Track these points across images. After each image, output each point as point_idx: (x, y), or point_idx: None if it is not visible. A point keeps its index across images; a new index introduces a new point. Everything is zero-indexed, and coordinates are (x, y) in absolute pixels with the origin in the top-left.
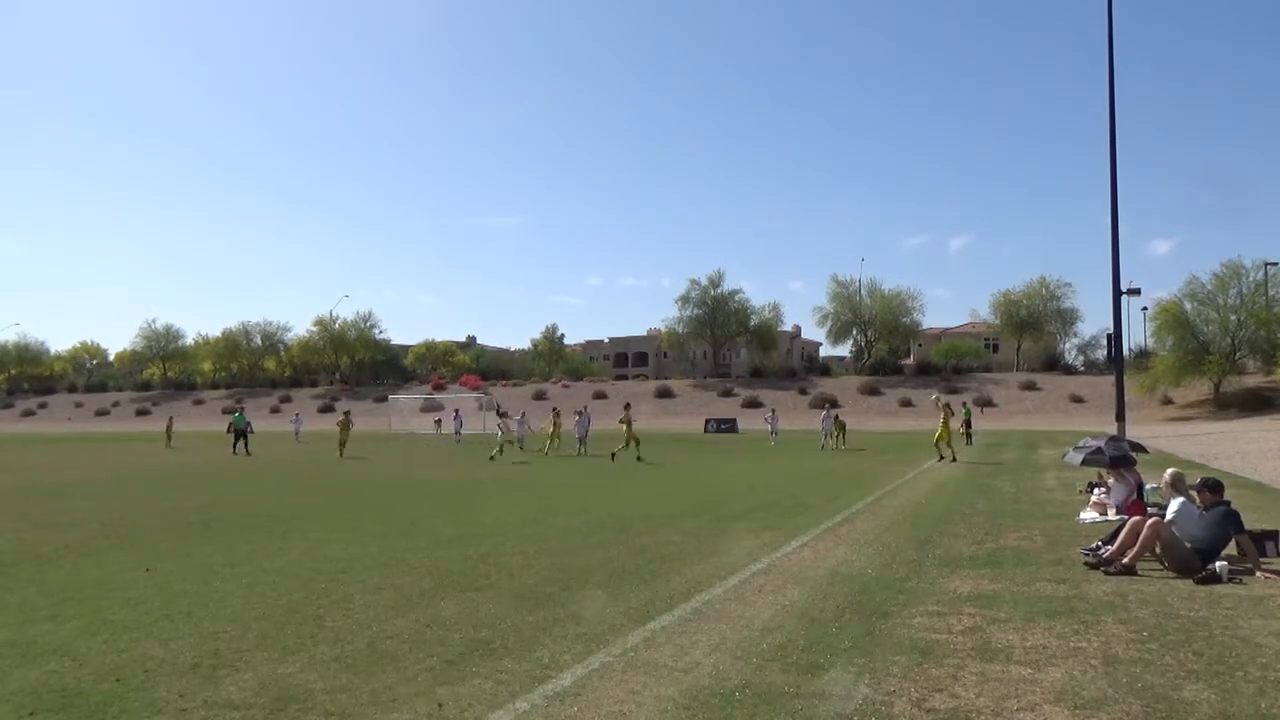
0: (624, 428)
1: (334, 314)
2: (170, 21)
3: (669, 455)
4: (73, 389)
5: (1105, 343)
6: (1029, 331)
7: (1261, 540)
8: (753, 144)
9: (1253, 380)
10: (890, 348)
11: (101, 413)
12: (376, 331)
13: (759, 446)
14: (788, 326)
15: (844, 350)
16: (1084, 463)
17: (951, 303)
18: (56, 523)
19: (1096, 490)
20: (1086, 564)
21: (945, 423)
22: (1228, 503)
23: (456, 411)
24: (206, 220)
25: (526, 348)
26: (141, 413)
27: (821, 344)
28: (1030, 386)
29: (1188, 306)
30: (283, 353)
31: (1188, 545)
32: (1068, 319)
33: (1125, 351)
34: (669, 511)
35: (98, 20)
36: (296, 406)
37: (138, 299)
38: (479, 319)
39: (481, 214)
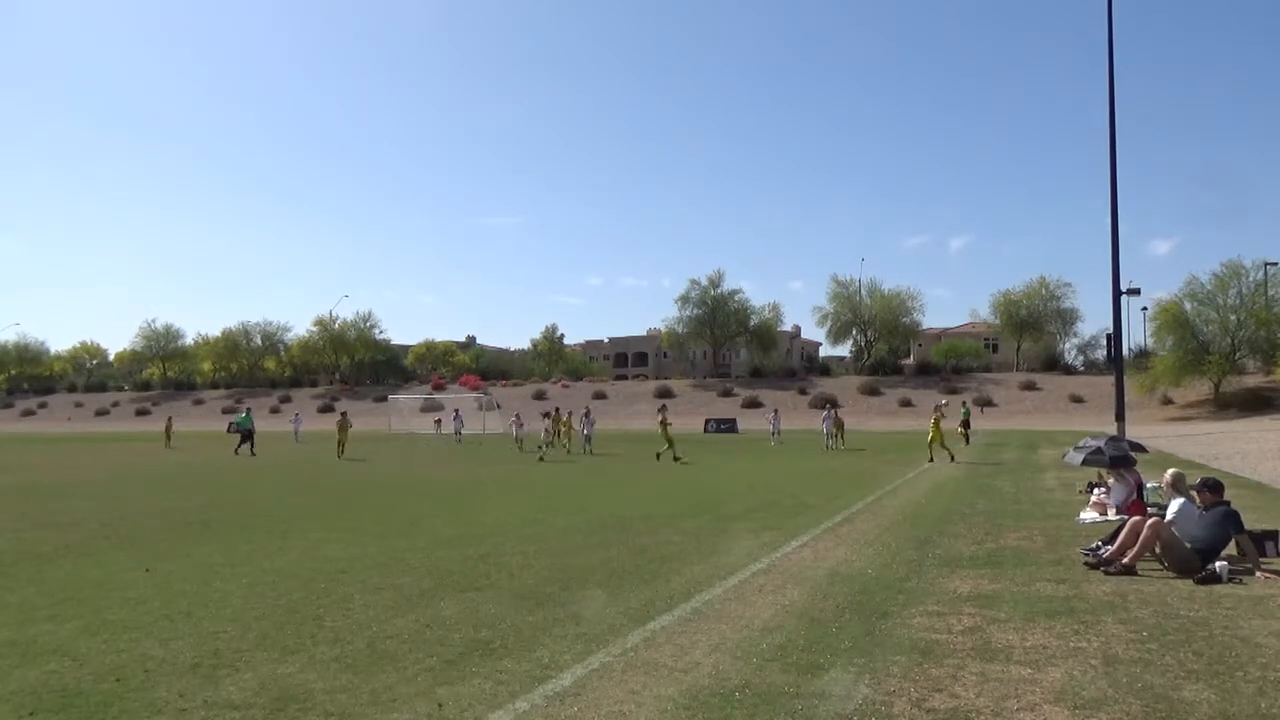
0: (661, 429)
1: (334, 314)
2: (170, 21)
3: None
4: (73, 389)
5: (1105, 343)
6: (1029, 331)
7: (1261, 540)
8: (753, 144)
9: (1252, 380)
10: (890, 348)
11: (101, 413)
12: (376, 331)
13: (759, 446)
14: (788, 326)
15: (844, 350)
16: (1084, 463)
17: (951, 303)
18: (56, 523)
19: (1096, 490)
20: (1086, 564)
21: (936, 424)
22: (1228, 503)
23: (457, 412)
24: (206, 220)
25: (526, 348)
26: (141, 413)
27: (821, 344)
28: (1030, 386)
29: (1187, 306)
30: (283, 353)
31: (1188, 545)
32: (1067, 319)
33: (1125, 351)
34: (669, 511)
35: (98, 20)
36: (296, 406)
37: (138, 299)
38: (479, 319)
39: (481, 214)
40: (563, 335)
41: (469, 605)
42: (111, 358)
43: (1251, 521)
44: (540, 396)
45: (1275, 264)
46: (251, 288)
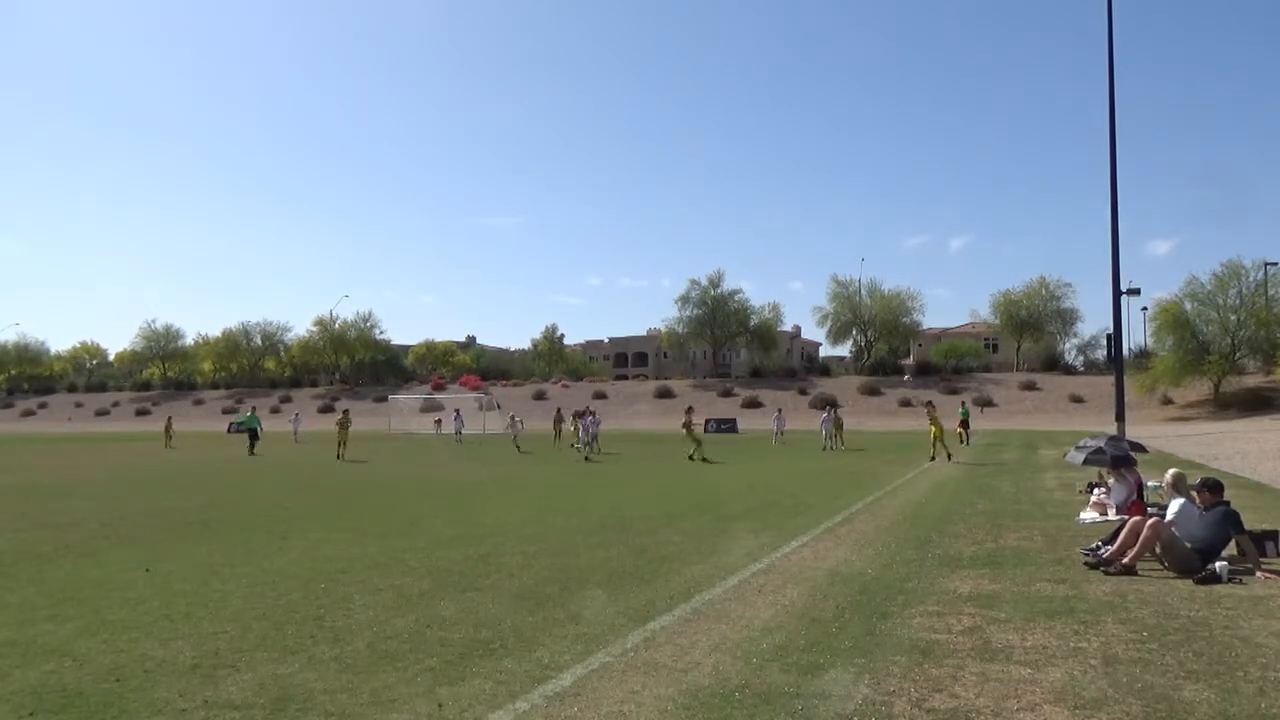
0: (686, 430)
1: (334, 314)
2: (170, 21)
3: (668, 455)
4: (73, 389)
5: (1105, 343)
6: (1029, 331)
7: (1261, 540)
8: (753, 144)
9: (1252, 380)
10: (890, 348)
11: (101, 413)
12: (376, 331)
13: (759, 446)
14: (788, 326)
15: (844, 350)
16: (1085, 462)
17: (951, 303)
18: (56, 523)
19: (1096, 490)
20: (1086, 564)
21: (935, 421)
22: (1227, 503)
23: (457, 412)
24: (206, 220)
25: (526, 348)
26: (141, 413)
27: (821, 344)
28: (1030, 386)
29: (1188, 306)
30: (283, 353)
31: (1188, 545)
32: (1067, 319)
33: (1125, 351)
34: (669, 511)
35: (98, 20)
36: (296, 406)
37: (138, 299)
38: (479, 319)
39: (481, 214)
40: (563, 335)
41: (469, 605)
42: (111, 358)
43: (1251, 522)
44: (540, 397)
45: (1275, 264)
46: (251, 288)
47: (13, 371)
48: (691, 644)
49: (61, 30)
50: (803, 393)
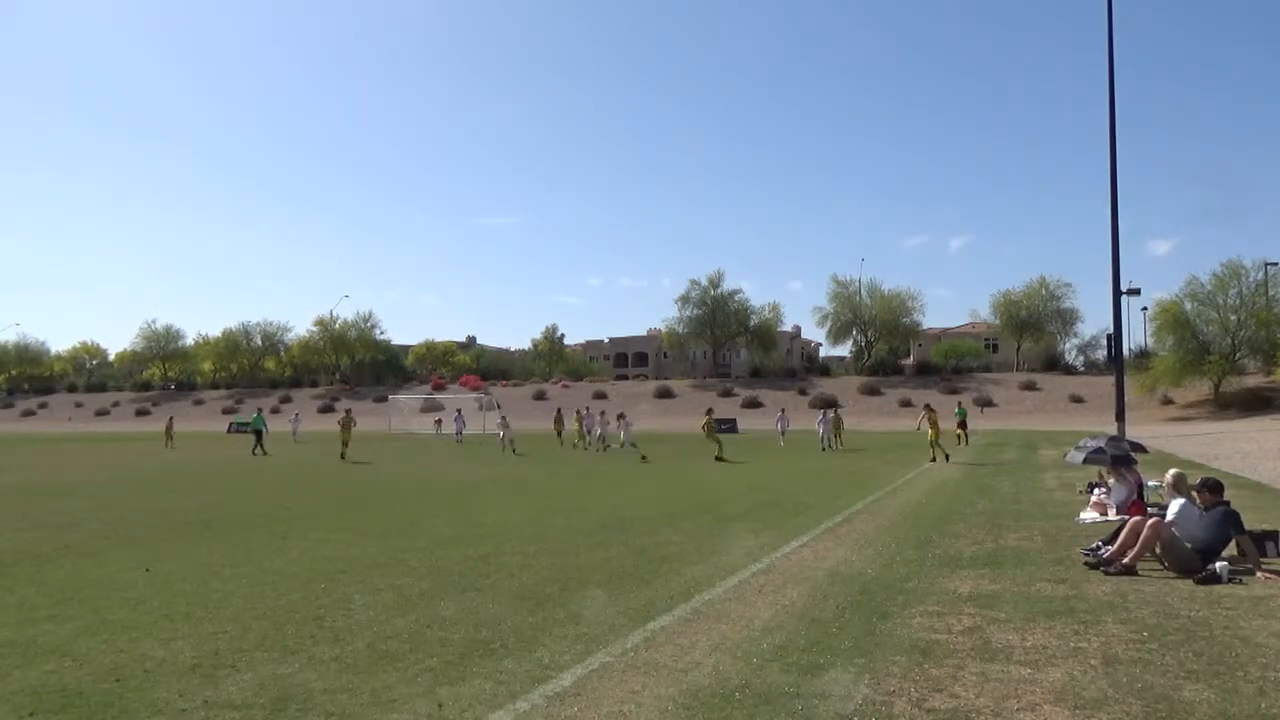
0: (707, 432)
1: (334, 314)
2: (170, 21)
3: (668, 455)
4: (73, 389)
5: (1105, 343)
6: (1029, 332)
7: (1262, 540)
8: (753, 144)
9: (1253, 380)
10: (890, 348)
11: (101, 413)
12: (377, 332)
13: (759, 446)
14: (788, 326)
15: (844, 350)
16: (1086, 461)
17: (951, 303)
18: (56, 523)
19: (1097, 490)
20: (1086, 564)
21: (934, 423)
22: (1228, 503)
23: (459, 412)
24: (206, 220)
25: (527, 348)
26: (141, 413)
27: (821, 344)
28: (1030, 387)
29: (1188, 306)
30: (283, 353)
31: (1188, 545)
32: (1068, 319)
33: (1125, 352)
34: (669, 511)
35: (98, 20)
36: (297, 406)
37: (138, 299)
38: (479, 319)
39: (481, 214)
40: (563, 335)
41: (469, 605)
42: (112, 358)
43: (1251, 522)
44: (541, 397)
45: (1275, 264)
46: (251, 288)
47: (13, 371)
48: (692, 644)
49: (61, 30)
50: (803, 393)
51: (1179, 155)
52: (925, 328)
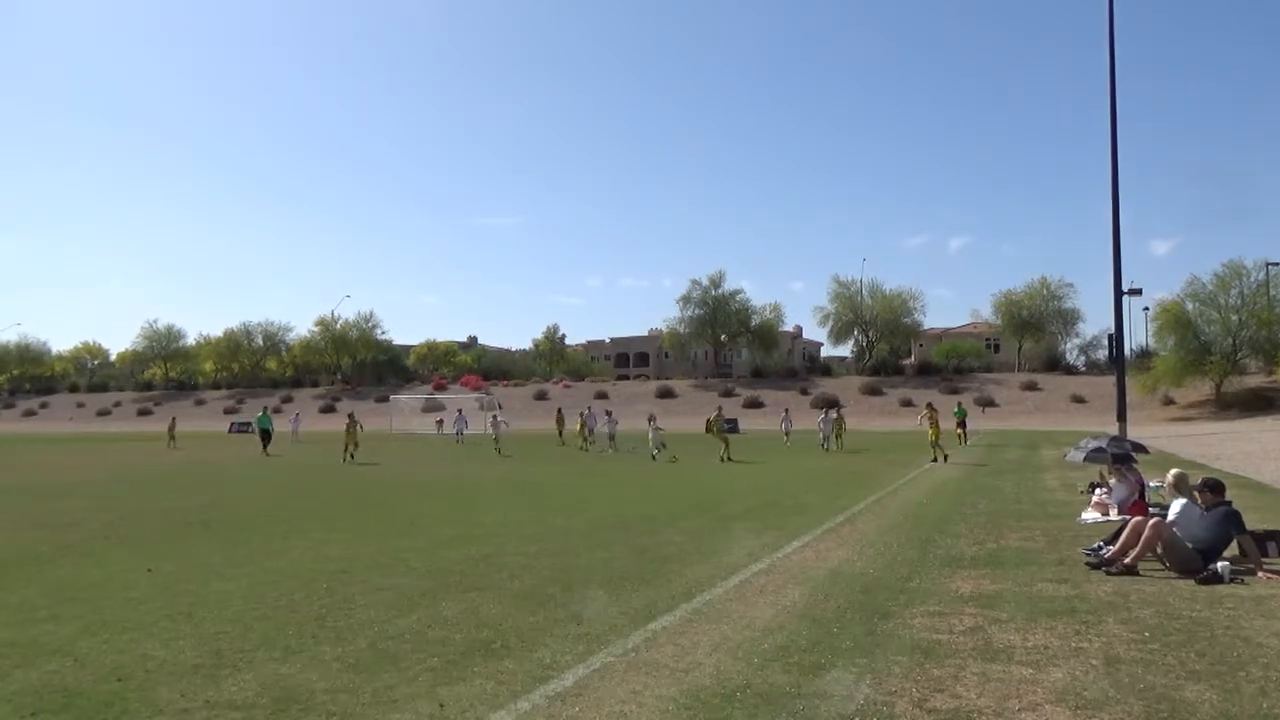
0: (715, 432)
1: (335, 314)
2: (170, 21)
3: (669, 455)
4: (74, 389)
5: (1106, 343)
6: (1030, 332)
7: (1263, 540)
8: (753, 144)
9: (1254, 380)
10: (891, 348)
11: (103, 413)
12: (378, 332)
13: (759, 446)
14: (789, 326)
15: (845, 350)
16: (1087, 459)
17: (952, 303)
18: (57, 523)
19: (1098, 490)
20: (1088, 564)
21: (935, 423)
22: (1229, 503)
23: (460, 412)
24: (206, 220)
25: (528, 348)
26: (143, 413)
27: (823, 344)
28: (1031, 387)
29: (1189, 307)
30: (284, 353)
31: (1189, 545)
32: (1069, 319)
33: (1126, 352)
34: (670, 511)
35: (98, 20)
36: (298, 406)
37: (139, 299)
38: (480, 319)
39: (481, 214)
40: (564, 335)
41: (470, 605)
42: (113, 358)
43: (1253, 522)
44: (542, 397)
45: (1277, 264)
46: (252, 288)
47: (14, 371)
48: (693, 644)
49: (61, 30)
50: (804, 393)
51: (1179, 155)
52: (926, 328)
